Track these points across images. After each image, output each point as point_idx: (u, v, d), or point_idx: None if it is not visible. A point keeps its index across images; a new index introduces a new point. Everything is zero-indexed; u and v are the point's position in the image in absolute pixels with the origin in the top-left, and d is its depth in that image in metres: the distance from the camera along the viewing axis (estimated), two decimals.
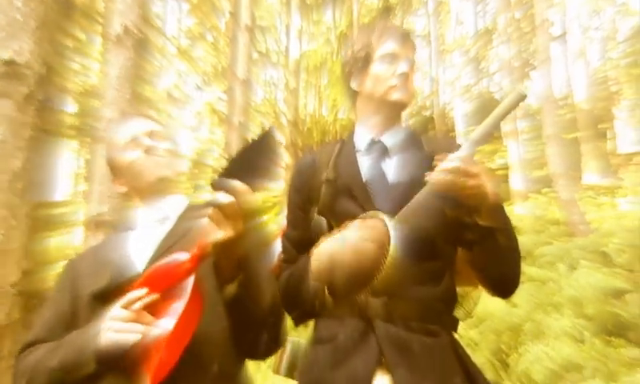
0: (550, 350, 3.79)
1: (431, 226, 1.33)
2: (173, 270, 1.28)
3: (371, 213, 1.25)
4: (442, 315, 1.37)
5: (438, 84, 15.96)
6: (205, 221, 1.24)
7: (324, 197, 1.47)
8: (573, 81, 14.37)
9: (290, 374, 1.48)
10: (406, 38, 1.57)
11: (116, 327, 1.27)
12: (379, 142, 1.54)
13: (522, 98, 1.24)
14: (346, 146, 1.61)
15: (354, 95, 1.65)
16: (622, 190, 10.78)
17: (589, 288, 4.61)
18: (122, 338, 1.25)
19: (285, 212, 1.59)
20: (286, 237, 1.57)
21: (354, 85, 1.62)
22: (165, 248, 1.46)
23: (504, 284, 1.42)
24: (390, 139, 1.55)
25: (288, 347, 1.49)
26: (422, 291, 1.34)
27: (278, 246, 1.56)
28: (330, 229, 1.40)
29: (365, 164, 1.52)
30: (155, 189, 1.59)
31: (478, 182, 1.24)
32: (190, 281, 1.26)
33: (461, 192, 1.25)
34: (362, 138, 1.58)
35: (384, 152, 1.53)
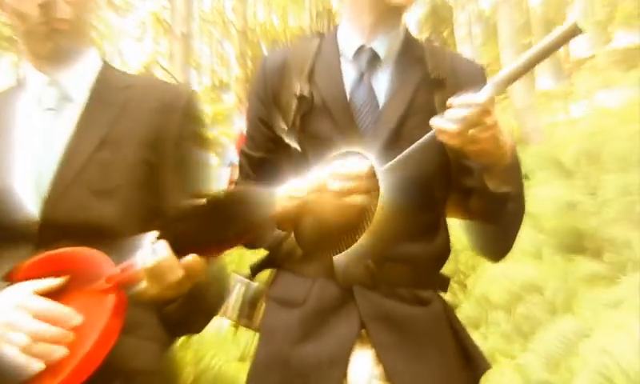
0: (508, 270, 3.66)
1: (429, 171, 1.11)
2: (91, 277, 0.90)
3: (355, 149, 0.99)
4: (433, 276, 1.18)
5: None
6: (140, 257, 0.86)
7: (294, 115, 1.18)
8: None
9: (239, 319, 1.24)
10: None
11: (22, 344, 0.84)
12: (370, 49, 1.20)
13: (576, 31, 0.93)
14: (326, 46, 1.26)
15: None
16: (574, 96, 10.78)
17: (547, 201, 4.54)
18: (27, 364, 0.83)
19: (240, 121, 1.30)
20: (244, 154, 1.28)
21: None
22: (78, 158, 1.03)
23: (498, 251, 1.24)
24: (383, 45, 1.20)
25: (236, 288, 1.23)
26: (414, 249, 1.13)
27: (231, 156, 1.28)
28: (302, 154, 1.15)
29: (350, 76, 1.19)
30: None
31: (493, 134, 0.97)
32: (110, 301, 0.88)
33: (471, 147, 0.99)
34: (348, 40, 1.23)
35: (374, 62, 1.20)
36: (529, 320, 3.37)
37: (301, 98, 1.17)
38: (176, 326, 1.06)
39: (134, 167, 1.04)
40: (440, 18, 16.05)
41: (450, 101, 0.97)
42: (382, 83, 1.18)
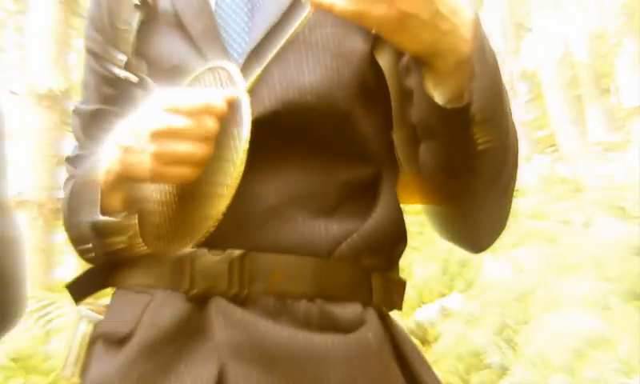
0: (568, 322, 3.24)
1: (336, 77, 0.74)
2: None
3: (210, 65, 0.71)
4: (364, 278, 0.75)
5: None
6: None
7: (133, 34, 0.84)
8: (570, 38, 14.07)
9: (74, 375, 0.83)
10: None
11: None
12: None
13: None
14: None
15: None
16: (629, 144, 10.52)
17: (610, 245, 4.13)
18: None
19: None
20: (76, 113, 0.93)
21: None
22: None
23: (477, 233, 0.84)
24: None
25: (80, 328, 0.81)
26: (321, 230, 0.73)
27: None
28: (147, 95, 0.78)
29: None
30: None
31: None
32: None
33: (382, 19, 0.61)
34: None
35: None
36: None
37: (139, 5, 0.84)
38: None
39: None
40: None
41: None
42: None
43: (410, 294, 4.48)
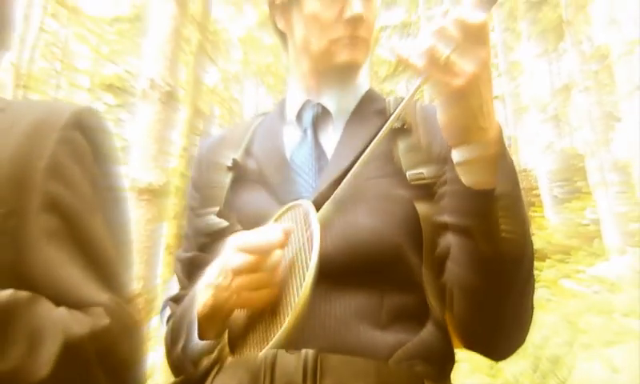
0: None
1: (387, 217, 0.86)
2: None
3: (291, 203, 0.84)
4: (422, 383, 0.82)
5: (516, 143, 15.39)
6: None
7: (227, 192, 0.99)
8: None
9: None
10: None
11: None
12: (318, 105, 1.04)
13: None
14: (270, 116, 1.12)
15: (284, 40, 1.12)
16: None
17: None
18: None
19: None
20: (178, 260, 1.05)
21: (280, 24, 1.09)
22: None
23: (490, 337, 0.86)
24: (335, 101, 1.04)
25: None
26: (381, 339, 0.82)
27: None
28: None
29: (292, 137, 1.03)
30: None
31: (480, 72, 0.68)
32: None
33: (443, 84, 0.69)
34: (292, 101, 1.08)
35: (324, 118, 1.04)
36: None
37: (232, 167, 1.00)
38: None
39: None
40: (573, 170, 15.63)
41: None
42: (334, 141, 0.99)
43: None
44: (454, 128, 0.72)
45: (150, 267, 4.40)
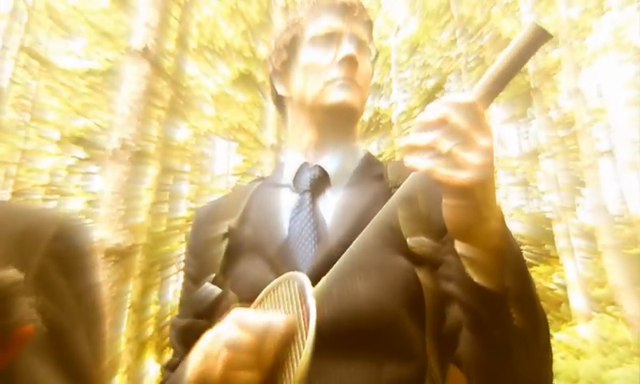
0: None
1: (385, 286, 0.83)
2: None
3: (286, 275, 0.78)
4: None
5: None
6: None
7: (223, 259, 0.97)
8: (627, 194, 13.82)
9: None
10: (350, 7, 1.04)
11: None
12: (315, 167, 1.03)
13: (538, 31, 0.65)
14: (267, 181, 1.12)
15: (283, 108, 1.15)
16: None
17: None
18: None
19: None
20: (172, 327, 1.03)
21: (280, 89, 1.11)
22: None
23: None
24: (333, 163, 1.03)
25: None
26: None
27: None
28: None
29: (290, 202, 1.01)
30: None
31: (483, 163, 0.62)
32: None
33: (447, 178, 0.63)
34: (290, 164, 1.08)
35: (323, 182, 1.02)
36: None
37: (227, 234, 0.98)
38: None
39: None
40: (541, 233, 15.89)
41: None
42: (332, 204, 0.98)
43: None
44: (459, 224, 0.69)
45: (114, 328, 4.34)
